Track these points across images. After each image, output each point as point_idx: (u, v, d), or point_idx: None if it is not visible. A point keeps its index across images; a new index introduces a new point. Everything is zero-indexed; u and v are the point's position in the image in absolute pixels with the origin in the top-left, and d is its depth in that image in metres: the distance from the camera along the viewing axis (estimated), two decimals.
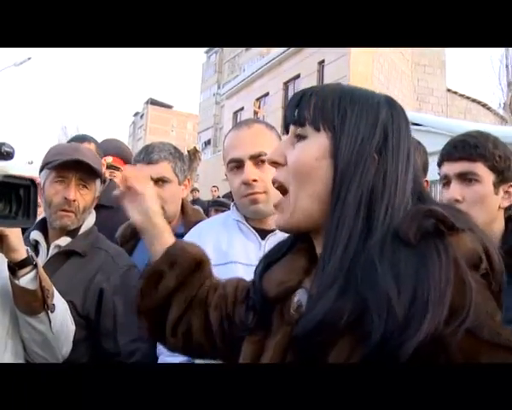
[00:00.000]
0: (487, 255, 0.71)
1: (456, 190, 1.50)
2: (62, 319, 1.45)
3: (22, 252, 1.32)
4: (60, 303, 1.44)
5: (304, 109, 0.83)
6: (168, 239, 1.10)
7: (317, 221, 0.80)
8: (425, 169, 2.02)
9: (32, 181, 1.18)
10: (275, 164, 0.86)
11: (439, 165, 1.61)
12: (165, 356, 1.65)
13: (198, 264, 1.08)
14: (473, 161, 1.49)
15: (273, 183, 0.87)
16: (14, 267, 1.32)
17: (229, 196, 7.58)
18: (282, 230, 0.87)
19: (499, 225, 1.53)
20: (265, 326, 0.86)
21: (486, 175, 1.49)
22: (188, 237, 1.60)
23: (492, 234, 1.46)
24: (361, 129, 0.79)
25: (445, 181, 1.56)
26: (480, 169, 1.49)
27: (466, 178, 1.50)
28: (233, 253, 1.37)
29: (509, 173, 1.52)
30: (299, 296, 0.83)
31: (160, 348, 1.67)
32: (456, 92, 16.84)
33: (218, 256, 1.40)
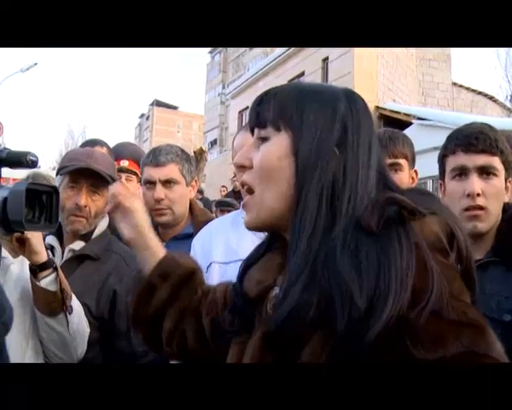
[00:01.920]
0: (453, 237, 0.73)
1: (477, 184, 1.45)
2: (79, 320, 1.50)
3: (44, 255, 1.40)
4: (76, 305, 1.50)
5: (264, 111, 0.85)
6: (159, 252, 1.12)
7: (285, 218, 0.82)
8: (413, 160, 2.04)
9: (55, 188, 1.24)
10: (242, 168, 0.88)
11: (445, 155, 1.56)
12: None
13: (190, 274, 1.10)
14: (492, 155, 1.47)
15: (242, 186, 0.89)
16: (36, 269, 1.40)
17: (232, 194, 7.59)
18: (251, 229, 0.88)
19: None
20: (250, 328, 0.88)
21: (501, 169, 1.48)
22: (199, 237, 1.63)
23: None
24: (319, 125, 0.81)
25: (460, 172, 1.50)
26: (497, 163, 1.47)
27: (485, 171, 1.47)
28: (243, 251, 1.40)
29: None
30: (274, 294, 0.85)
31: None
32: (461, 86, 16.73)
33: (229, 254, 1.43)
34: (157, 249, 1.12)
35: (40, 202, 1.18)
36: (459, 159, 1.50)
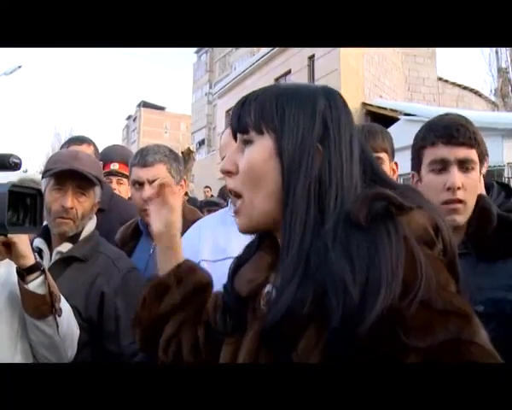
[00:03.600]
0: (438, 230, 0.75)
1: (458, 177, 1.43)
2: (68, 322, 1.48)
3: (31, 258, 1.37)
4: (66, 307, 1.48)
5: (246, 116, 0.86)
6: (180, 256, 1.14)
7: (276, 219, 0.83)
8: (392, 153, 2.05)
9: (39, 190, 1.22)
10: (228, 173, 0.89)
11: (423, 147, 1.52)
12: None
13: (204, 286, 1.11)
14: (471, 148, 1.46)
15: (229, 192, 0.90)
16: (23, 273, 1.37)
17: (223, 193, 7.58)
18: (245, 233, 0.90)
19: None
20: (242, 327, 0.89)
21: (477, 162, 1.48)
22: (187, 235, 1.62)
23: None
24: (300, 123, 0.82)
25: (441, 165, 1.47)
26: (475, 156, 1.47)
27: (465, 164, 1.46)
28: (231, 249, 1.41)
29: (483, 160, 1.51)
30: (267, 291, 0.86)
31: None
32: (447, 81, 16.88)
33: (217, 252, 1.42)
34: (179, 252, 1.14)
35: (24, 205, 1.17)
36: (439, 151, 1.47)
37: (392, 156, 2.03)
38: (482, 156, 1.49)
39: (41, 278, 1.39)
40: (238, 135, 0.89)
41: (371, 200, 0.75)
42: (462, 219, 1.42)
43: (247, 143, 0.86)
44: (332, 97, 0.86)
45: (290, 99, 0.84)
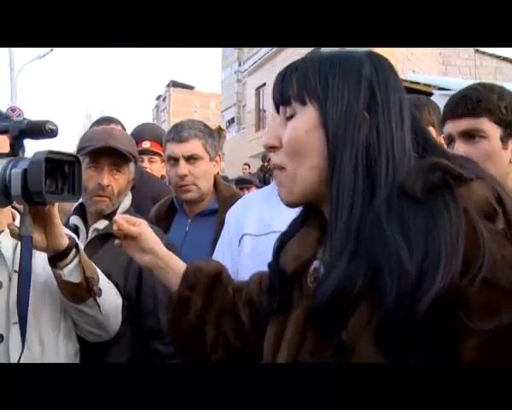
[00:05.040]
0: (500, 202, 0.70)
1: (459, 149, 1.41)
2: (110, 298, 1.47)
3: (65, 239, 1.30)
4: (105, 285, 1.45)
5: (287, 88, 0.83)
6: (180, 266, 1.12)
7: (320, 192, 0.80)
8: (440, 127, 1.98)
9: (77, 158, 1.20)
10: (272, 148, 0.86)
11: (442, 125, 1.53)
12: None
13: (216, 277, 1.10)
14: (477, 117, 1.41)
15: (274, 167, 0.87)
16: (55, 258, 1.30)
17: (263, 170, 7.57)
18: (287, 205, 0.87)
19: None
20: (288, 306, 0.86)
21: (493, 130, 1.42)
22: (233, 209, 1.60)
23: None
24: (345, 91, 0.78)
25: (449, 141, 1.47)
26: (486, 124, 1.41)
27: (470, 135, 1.42)
28: (275, 224, 1.39)
29: None
30: (315, 267, 0.84)
31: None
32: (484, 52, 16.30)
33: (261, 227, 1.40)
34: (177, 264, 1.12)
35: (62, 173, 1.15)
36: (447, 127, 1.49)
37: (439, 129, 1.96)
38: (504, 122, 1.41)
39: (75, 262, 1.32)
40: (281, 108, 0.86)
41: (427, 171, 0.70)
42: None
43: (291, 115, 0.83)
44: (378, 62, 0.81)
45: (333, 66, 0.80)
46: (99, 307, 1.40)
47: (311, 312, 0.77)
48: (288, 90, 0.83)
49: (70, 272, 1.32)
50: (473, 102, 1.42)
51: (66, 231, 1.37)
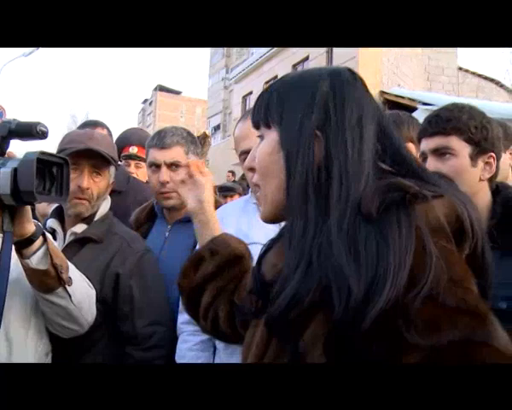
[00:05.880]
0: (461, 219, 0.71)
1: (431, 166, 1.46)
2: (81, 288, 1.45)
3: (31, 226, 1.27)
4: (76, 274, 1.44)
5: (257, 113, 0.89)
6: (216, 229, 1.18)
7: None
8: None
9: (65, 160, 1.20)
10: (250, 170, 0.92)
11: (418, 142, 1.60)
12: (186, 335, 1.67)
13: (236, 258, 1.14)
14: (446, 135, 1.47)
15: (252, 185, 0.93)
16: (22, 245, 1.27)
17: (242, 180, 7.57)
18: (265, 221, 0.92)
19: (484, 198, 1.49)
20: (264, 310, 0.88)
21: (462, 148, 1.46)
22: None
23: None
24: (298, 112, 0.81)
25: (423, 158, 1.53)
26: (455, 142, 1.46)
27: (440, 152, 1.48)
28: (253, 234, 1.40)
29: (488, 144, 1.47)
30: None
31: (181, 328, 1.69)
32: (467, 70, 16.54)
33: (240, 237, 1.42)
34: (215, 227, 1.19)
35: (50, 174, 1.16)
36: (421, 145, 1.56)
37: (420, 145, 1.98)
38: (472, 141, 1.46)
39: (42, 250, 1.30)
40: (255, 131, 0.92)
41: (384, 190, 0.71)
42: None
43: (261, 138, 0.89)
44: (337, 77, 0.83)
45: (291, 88, 0.84)
46: (70, 296, 1.39)
47: (268, 321, 0.79)
48: (257, 115, 0.89)
49: (38, 260, 1.31)
50: (443, 121, 1.48)
51: (35, 221, 1.34)
